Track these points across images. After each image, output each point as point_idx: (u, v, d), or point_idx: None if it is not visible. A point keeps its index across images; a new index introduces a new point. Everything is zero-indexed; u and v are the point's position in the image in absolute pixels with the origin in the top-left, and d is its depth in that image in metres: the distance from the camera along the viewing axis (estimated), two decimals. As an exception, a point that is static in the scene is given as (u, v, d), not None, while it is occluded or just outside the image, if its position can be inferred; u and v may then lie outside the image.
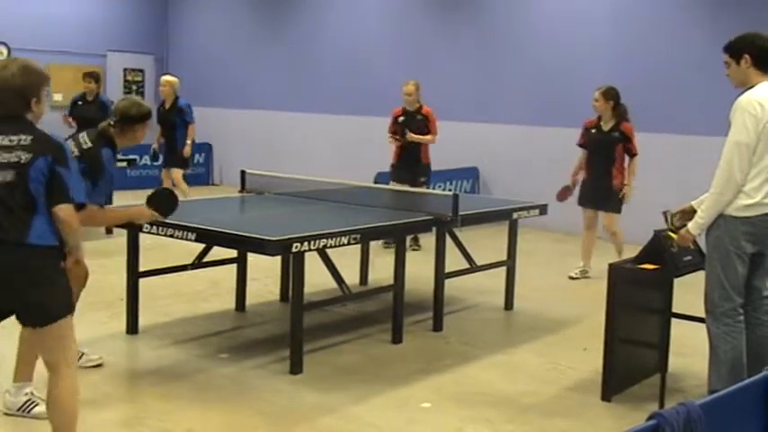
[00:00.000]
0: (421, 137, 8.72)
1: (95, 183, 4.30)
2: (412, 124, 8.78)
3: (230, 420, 4.43)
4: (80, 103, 9.90)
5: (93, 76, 9.91)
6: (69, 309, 3.53)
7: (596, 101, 7.81)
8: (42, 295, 3.41)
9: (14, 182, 3.35)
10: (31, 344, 4.00)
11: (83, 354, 5.00)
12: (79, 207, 3.49)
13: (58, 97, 13.31)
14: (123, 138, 4.62)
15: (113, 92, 15.01)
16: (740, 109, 4.24)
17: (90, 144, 4.45)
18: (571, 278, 8.04)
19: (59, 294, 3.48)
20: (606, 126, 7.84)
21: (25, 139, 3.40)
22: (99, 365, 5.10)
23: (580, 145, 8.03)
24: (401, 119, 8.84)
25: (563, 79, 10.63)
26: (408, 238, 7.39)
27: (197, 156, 14.42)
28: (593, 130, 7.91)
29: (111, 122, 4.57)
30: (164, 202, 4.46)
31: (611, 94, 7.78)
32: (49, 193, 3.38)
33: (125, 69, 15.29)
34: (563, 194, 7.96)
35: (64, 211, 3.40)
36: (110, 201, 5.05)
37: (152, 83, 14.99)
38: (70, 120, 9.79)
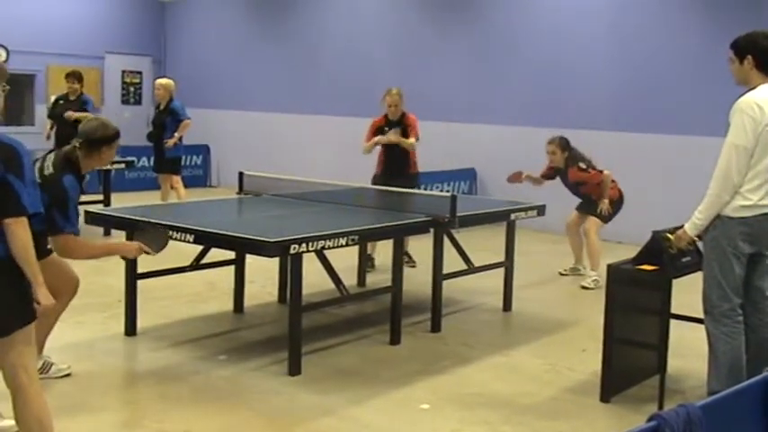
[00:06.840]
0: (402, 140, 7.85)
1: (65, 212, 4.04)
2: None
3: (228, 421, 4.42)
4: (61, 102, 9.92)
5: (75, 76, 9.93)
6: (22, 321, 3.23)
7: (553, 153, 7.77)
8: None
9: None
10: None
11: (51, 364, 4.81)
12: (30, 217, 3.16)
13: (55, 99, 13.29)
14: (89, 160, 4.38)
15: (112, 93, 15.10)
16: (739, 111, 4.22)
17: (51, 170, 4.16)
18: (561, 274, 8.16)
19: (8, 306, 3.20)
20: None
21: None
22: (68, 375, 4.89)
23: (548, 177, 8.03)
24: (385, 129, 7.95)
25: (561, 80, 10.64)
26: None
27: (194, 157, 14.45)
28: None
29: (77, 144, 4.32)
30: (155, 238, 4.38)
31: (563, 144, 7.77)
32: None
33: (123, 71, 15.32)
34: (514, 177, 7.98)
35: (13, 224, 3.06)
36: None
37: (150, 85, 14.95)
38: (50, 133, 10.00)
